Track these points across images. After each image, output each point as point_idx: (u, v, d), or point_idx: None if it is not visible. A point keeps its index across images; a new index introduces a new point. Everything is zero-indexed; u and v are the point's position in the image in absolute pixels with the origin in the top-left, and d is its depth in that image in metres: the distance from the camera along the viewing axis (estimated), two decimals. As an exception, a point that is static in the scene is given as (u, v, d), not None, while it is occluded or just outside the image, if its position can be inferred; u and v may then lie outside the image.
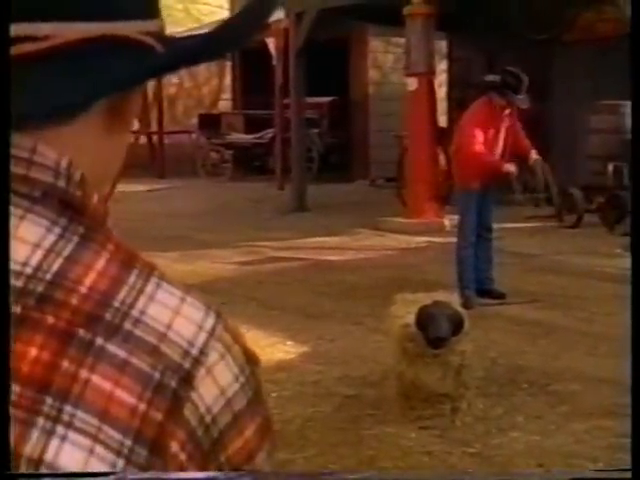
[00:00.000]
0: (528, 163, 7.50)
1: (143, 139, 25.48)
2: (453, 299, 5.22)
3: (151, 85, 24.40)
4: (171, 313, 0.65)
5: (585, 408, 4.79)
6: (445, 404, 4.72)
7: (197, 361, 0.65)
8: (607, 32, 12.62)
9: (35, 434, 0.59)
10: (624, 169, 10.54)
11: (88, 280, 0.64)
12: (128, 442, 0.61)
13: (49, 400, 0.60)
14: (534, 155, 7.42)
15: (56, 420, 0.59)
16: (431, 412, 4.68)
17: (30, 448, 0.59)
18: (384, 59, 19.39)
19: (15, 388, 0.59)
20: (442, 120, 14.37)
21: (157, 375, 0.63)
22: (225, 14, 24.33)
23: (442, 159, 12.61)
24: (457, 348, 4.75)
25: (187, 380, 0.64)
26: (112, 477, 0.57)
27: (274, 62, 17.58)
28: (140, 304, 0.65)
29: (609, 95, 10.94)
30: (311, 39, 14.18)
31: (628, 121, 10.38)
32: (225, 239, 11.24)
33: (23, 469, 0.59)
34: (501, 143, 7.34)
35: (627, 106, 10.35)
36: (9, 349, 0.60)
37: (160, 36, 0.72)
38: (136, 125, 25.61)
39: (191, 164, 21.14)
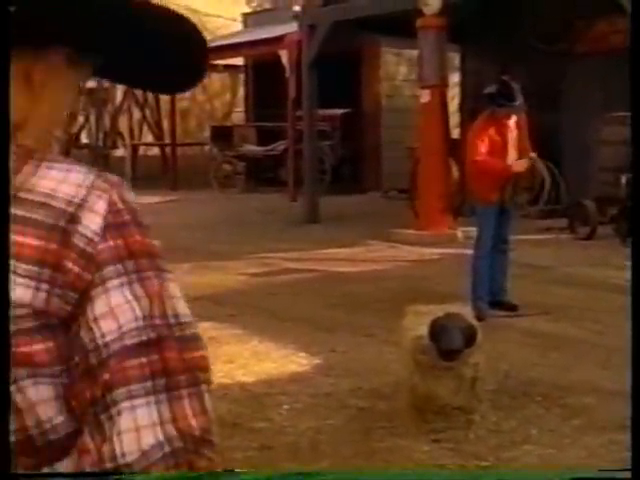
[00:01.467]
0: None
1: (156, 151, 25.59)
2: (466, 311, 5.21)
3: (165, 99, 24.53)
4: (56, 182, 0.90)
5: (599, 421, 4.77)
6: (458, 417, 4.70)
7: (79, 205, 0.89)
8: (619, 43, 12.61)
9: None
10: (637, 181, 10.52)
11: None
12: (35, 268, 0.85)
13: None
14: (532, 154, 7.51)
15: None
16: (444, 425, 4.67)
17: None
18: (396, 71, 19.43)
19: None
20: (454, 132, 14.37)
21: (49, 220, 0.87)
22: (239, 26, 24.43)
23: (454, 171, 12.61)
24: (470, 360, 4.74)
25: (72, 219, 0.88)
26: (112, 477, 0.60)
27: (287, 74, 17.63)
28: (32, 181, 0.90)
29: (621, 106, 10.92)
30: (324, 52, 14.22)
31: (641, 133, 10.36)
32: (237, 250, 11.26)
33: None
34: (513, 152, 7.37)
35: (640, 118, 10.34)
36: (9, 349, 0.65)
37: None
38: (150, 138, 25.74)
39: (204, 176, 21.20)
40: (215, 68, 27.05)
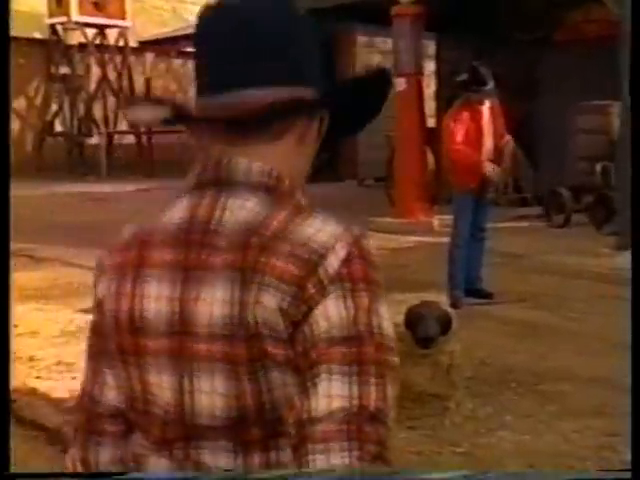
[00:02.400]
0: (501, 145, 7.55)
1: (132, 139, 25.44)
2: (442, 299, 5.22)
3: (138, 86, 24.37)
4: (315, 230, 1.20)
5: (574, 407, 4.80)
6: (434, 404, 4.72)
7: (328, 249, 1.18)
8: (595, 32, 12.68)
9: (254, 289, 1.16)
10: (612, 169, 10.58)
11: (272, 222, 1.19)
12: (286, 287, 1.15)
13: (257, 276, 1.16)
14: (507, 137, 7.51)
15: (260, 283, 1.16)
16: (420, 412, 4.68)
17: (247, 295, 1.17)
18: (370, 59, 19.42)
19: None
20: (431, 121, 14.39)
21: (305, 256, 1.16)
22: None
23: (431, 159, 12.63)
24: (446, 348, 4.75)
25: (321, 258, 1.17)
26: (114, 477, 0.61)
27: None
28: (296, 226, 1.20)
29: (597, 95, 10.98)
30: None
31: (616, 121, 10.41)
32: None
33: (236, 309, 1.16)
34: (488, 139, 7.38)
35: (615, 106, 10.38)
36: (9, 348, 0.69)
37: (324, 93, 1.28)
38: (124, 125, 25.57)
39: (180, 164, 21.11)
40: (189, 55, 26.95)
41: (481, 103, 7.31)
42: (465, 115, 7.27)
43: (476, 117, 7.30)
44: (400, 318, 4.66)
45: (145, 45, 23.76)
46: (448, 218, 8.29)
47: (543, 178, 12.74)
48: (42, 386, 5.22)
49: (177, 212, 1.27)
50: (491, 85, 7.23)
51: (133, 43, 24.93)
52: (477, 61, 7.57)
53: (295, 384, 1.16)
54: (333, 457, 1.10)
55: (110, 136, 24.87)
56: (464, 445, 4.32)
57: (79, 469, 1.31)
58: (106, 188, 18.89)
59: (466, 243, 7.36)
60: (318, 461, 1.11)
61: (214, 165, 1.25)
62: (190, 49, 23.13)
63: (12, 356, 4.58)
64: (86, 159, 23.77)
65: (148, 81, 22.79)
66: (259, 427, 1.19)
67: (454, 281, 7.32)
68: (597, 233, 10.40)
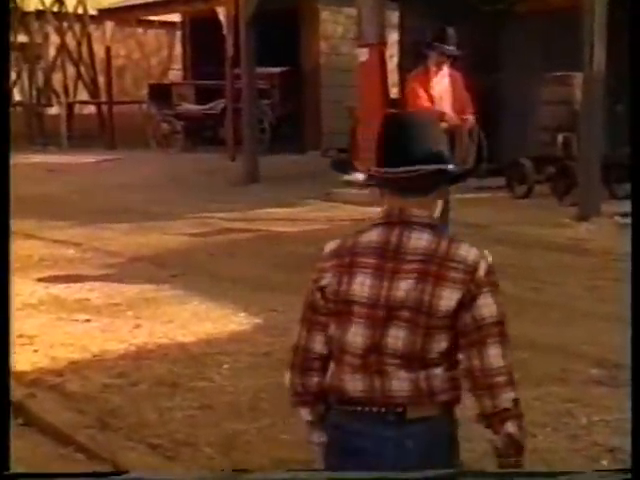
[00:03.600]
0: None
1: (92, 109, 25.11)
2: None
3: (100, 55, 24.04)
4: (466, 252, 2.15)
5: (534, 375, 4.87)
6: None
7: (477, 263, 2.14)
8: (558, 3, 12.70)
9: (433, 287, 2.14)
10: (573, 140, 10.66)
11: (440, 248, 2.16)
12: (460, 286, 2.13)
13: (437, 280, 2.15)
14: (469, 116, 7.64)
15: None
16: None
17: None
18: (334, 30, 19.30)
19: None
20: (394, 91, 14.37)
21: (465, 268, 2.12)
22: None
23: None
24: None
25: (474, 270, 2.13)
26: (116, 477, 0.64)
27: (224, 32, 17.40)
28: (456, 252, 2.16)
29: (560, 66, 11.03)
30: (262, 9, 14.05)
31: (578, 92, 10.48)
32: (177, 211, 11.16)
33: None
34: (447, 108, 7.50)
35: (576, 77, 10.44)
36: (9, 348, 0.77)
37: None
38: (85, 95, 25.22)
39: (142, 135, 20.89)
40: (151, 24, 26.58)
41: (440, 66, 7.46)
42: (426, 76, 7.43)
43: (437, 77, 7.50)
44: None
45: (104, 13, 23.38)
46: (440, 204, 8.30)
47: (505, 149, 12.81)
48: (4, 359, 5.18)
49: (374, 237, 2.22)
50: (454, 47, 7.38)
51: (92, 11, 24.52)
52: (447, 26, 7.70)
53: (447, 344, 2.14)
54: (503, 394, 2.14)
55: (70, 106, 24.51)
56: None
57: (299, 390, 2.29)
58: (67, 159, 18.66)
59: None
60: (496, 400, 2.14)
61: (398, 212, 2.20)
62: (150, 17, 22.85)
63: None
64: (46, 129, 23.43)
65: (108, 50, 22.46)
66: (419, 361, 2.13)
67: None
68: (558, 204, 10.50)
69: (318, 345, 2.23)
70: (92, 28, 24.96)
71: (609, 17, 9.48)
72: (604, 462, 3.83)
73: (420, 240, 2.14)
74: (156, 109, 20.89)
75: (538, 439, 4.04)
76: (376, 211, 2.37)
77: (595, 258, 8.06)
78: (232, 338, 5.72)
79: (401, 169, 2.14)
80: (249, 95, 14.63)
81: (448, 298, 2.08)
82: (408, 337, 2.09)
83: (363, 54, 12.32)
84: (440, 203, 2.23)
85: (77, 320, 6.22)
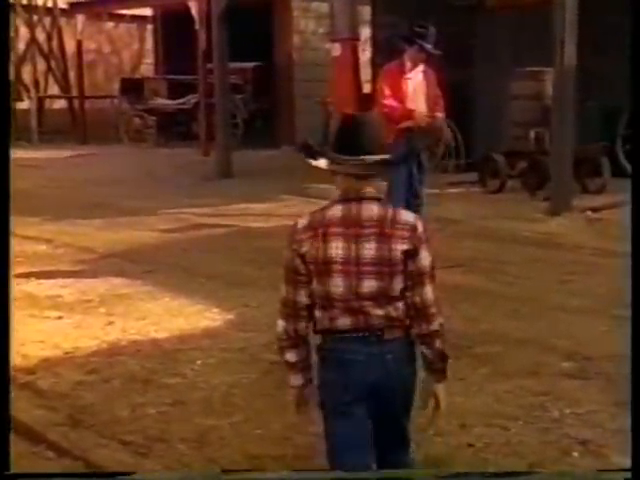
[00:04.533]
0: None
1: (63, 104, 24.91)
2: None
3: (70, 49, 23.84)
4: (406, 216, 2.83)
5: (506, 369, 4.90)
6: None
7: (417, 223, 2.81)
8: (528, -1, 12.77)
9: (389, 243, 2.81)
10: (545, 135, 10.72)
11: (387, 214, 2.82)
12: (408, 241, 2.79)
13: (391, 237, 2.82)
14: (439, 114, 7.67)
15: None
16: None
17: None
18: (305, 25, 19.29)
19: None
20: (366, 87, 14.38)
21: (409, 228, 2.80)
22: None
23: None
24: (382, 313, 4.82)
25: (415, 227, 2.79)
26: (118, 477, 0.64)
27: (196, 26, 17.32)
28: (399, 216, 2.81)
29: (531, 61, 11.09)
30: (234, 3, 13.99)
31: (549, 87, 10.54)
32: (149, 206, 11.11)
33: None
34: (421, 104, 7.49)
35: (548, 73, 10.50)
36: (9, 348, 0.77)
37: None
38: (56, 90, 25.01)
39: (114, 130, 20.76)
40: (122, 18, 26.41)
41: (416, 64, 7.44)
42: (398, 70, 7.42)
43: (410, 74, 7.47)
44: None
45: (75, 7, 23.18)
46: (385, 184, 8.32)
47: (478, 144, 12.86)
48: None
49: (337, 211, 2.81)
50: (431, 44, 7.35)
51: (62, 4, 24.31)
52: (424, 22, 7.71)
53: (403, 284, 2.76)
54: (435, 320, 2.81)
55: (41, 100, 24.31)
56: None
57: (292, 334, 2.86)
58: (38, 154, 18.51)
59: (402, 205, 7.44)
60: (430, 324, 2.81)
61: (354, 191, 2.79)
62: (122, 11, 22.69)
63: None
64: (16, 124, 23.24)
65: (80, 43, 22.27)
66: (387, 298, 2.77)
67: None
68: (531, 199, 10.56)
69: (304, 298, 2.83)
70: (63, 21, 24.75)
71: (580, 13, 9.54)
72: (575, 454, 3.86)
73: (373, 210, 2.77)
74: (128, 104, 20.77)
75: (510, 432, 4.07)
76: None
77: (567, 252, 8.12)
78: (205, 334, 5.71)
79: (353, 157, 2.77)
80: (222, 90, 14.58)
81: (400, 250, 2.74)
82: (377, 283, 2.75)
83: (336, 49, 12.33)
84: (384, 183, 2.89)
85: (49, 317, 6.17)
